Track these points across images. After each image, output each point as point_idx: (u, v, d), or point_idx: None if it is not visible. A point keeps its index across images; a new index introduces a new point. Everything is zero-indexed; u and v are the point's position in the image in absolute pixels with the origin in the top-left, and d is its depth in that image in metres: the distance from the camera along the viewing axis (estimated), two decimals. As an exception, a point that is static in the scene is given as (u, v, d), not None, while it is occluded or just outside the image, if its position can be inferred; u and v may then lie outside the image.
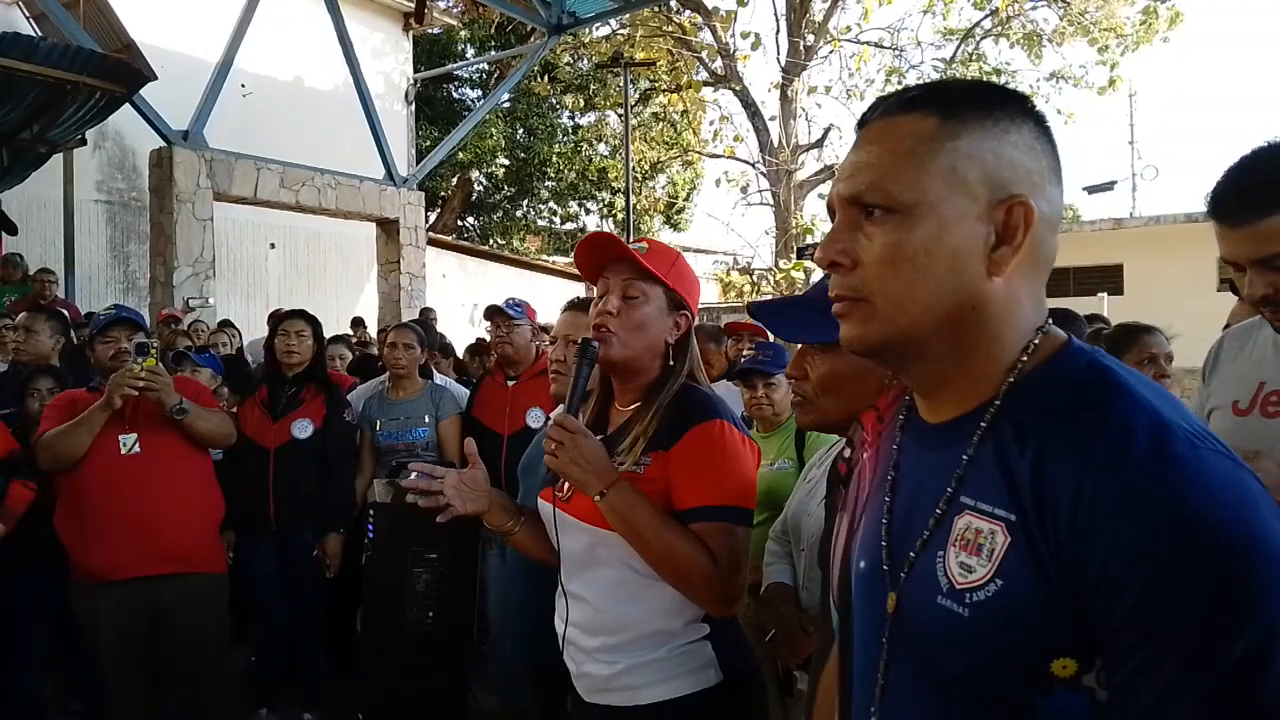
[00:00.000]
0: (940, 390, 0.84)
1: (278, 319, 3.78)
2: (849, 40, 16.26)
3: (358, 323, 10.04)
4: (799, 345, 1.43)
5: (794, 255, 14.15)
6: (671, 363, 1.69)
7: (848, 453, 1.04)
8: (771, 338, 4.35)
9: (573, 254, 1.84)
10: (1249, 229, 1.36)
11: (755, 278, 17.12)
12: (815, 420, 1.40)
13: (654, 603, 1.57)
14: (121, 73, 7.87)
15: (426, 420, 3.72)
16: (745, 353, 3.13)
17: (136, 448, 2.95)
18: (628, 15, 14.40)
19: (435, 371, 4.44)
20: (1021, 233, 0.77)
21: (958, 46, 16.18)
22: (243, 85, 10.95)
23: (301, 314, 3.77)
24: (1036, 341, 0.80)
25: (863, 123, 0.84)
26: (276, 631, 3.56)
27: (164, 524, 2.92)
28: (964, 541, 0.76)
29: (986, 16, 16.09)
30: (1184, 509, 0.65)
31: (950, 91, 0.81)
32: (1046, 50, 16.34)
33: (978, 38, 16.34)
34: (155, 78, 8.32)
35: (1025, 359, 0.79)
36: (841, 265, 0.82)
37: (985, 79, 14.59)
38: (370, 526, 2.68)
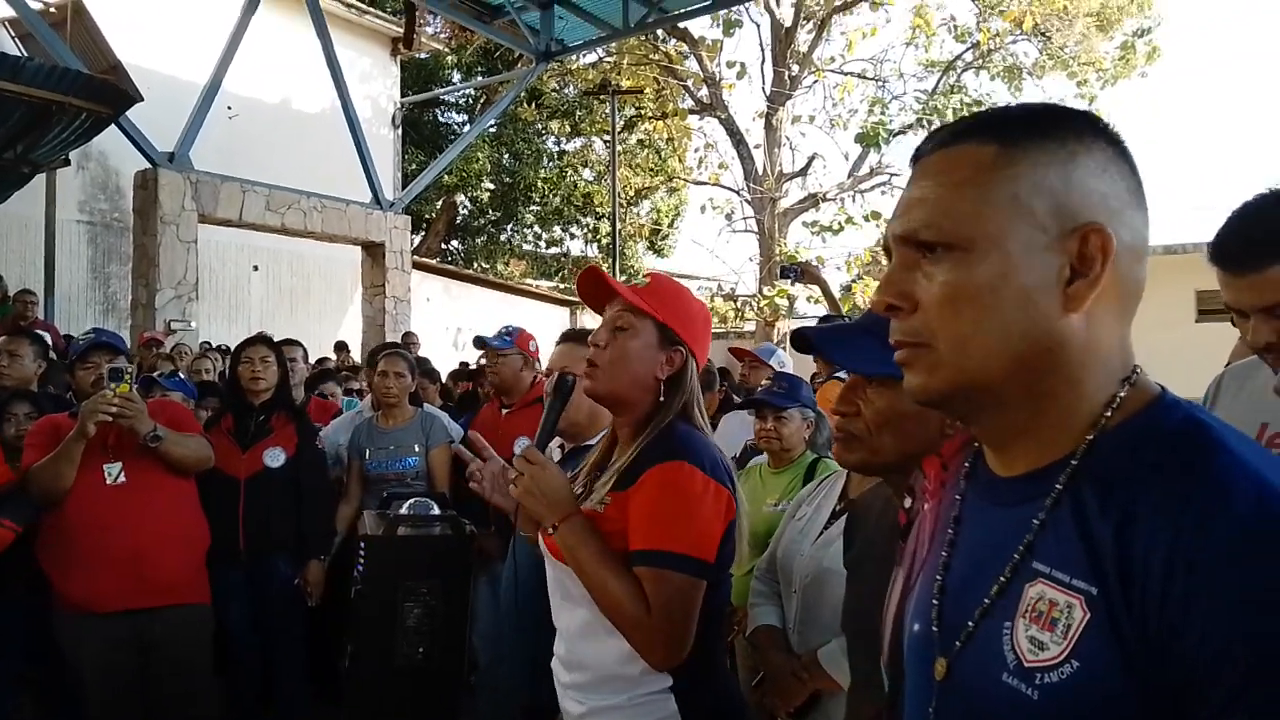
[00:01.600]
0: (1013, 442, 0.76)
1: (239, 347, 3.72)
2: (833, 71, 16.42)
3: (341, 347, 9.99)
4: (848, 377, 1.34)
5: (778, 282, 14.20)
6: (661, 399, 1.62)
7: (908, 503, 0.98)
8: (785, 364, 4.34)
9: (574, 284, 1.79)
10: (1253, 277, 1.35)
11: (739, 304, 17.17)
12: (864, 460, 1.30)
13: (615, 646, 1.51)
14: (108, 94, 7.84)
15: (416, 449, 3.69)
16: (763, 382, 3.08)
17: (122, 477, 2.91)
18: (614, 43, 14.50)
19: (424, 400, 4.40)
20: (1099, 263, 0.70)
21: (939, 78, 16.39)
22: (229, 107, 10.93)
23: (264, 340, 3.72)
24: (1123, 395, 0.72)
25: (917, 157, 0.79)
26: (248, 662, 3.49)
27: (152, 555, 2.89)
28: (1035, 614, 0.69)
29: (968, 49, 16.32)
30: None
31: (1008, 117, 0.75)
32: (1027, 83, 16.60)
33: (959, 70, 16.56)
34: (141, 99, 8.31)
35: (1109, 414, 0.72)
36: (899, 308, 0.76)
37: (967, 109, 14.78)
38: (361, 559, 2.64)
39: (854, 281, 15.05)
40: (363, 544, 2.69)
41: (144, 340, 7.50)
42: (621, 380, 1.61)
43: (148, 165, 9.09)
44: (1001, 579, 0.72)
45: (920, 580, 0.86)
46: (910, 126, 15.65)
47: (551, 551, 1.60)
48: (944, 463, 0.92)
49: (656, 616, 1.44)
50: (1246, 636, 0.58)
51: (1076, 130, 0.73)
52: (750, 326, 16.73)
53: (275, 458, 3.46)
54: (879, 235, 15.19)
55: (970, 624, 0.74)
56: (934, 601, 0.80)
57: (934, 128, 0.83)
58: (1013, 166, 0.72)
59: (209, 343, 8.58)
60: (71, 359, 3.22)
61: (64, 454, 2.78)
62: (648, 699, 1.52)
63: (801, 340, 1.41)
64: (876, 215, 15.25)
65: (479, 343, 3.71)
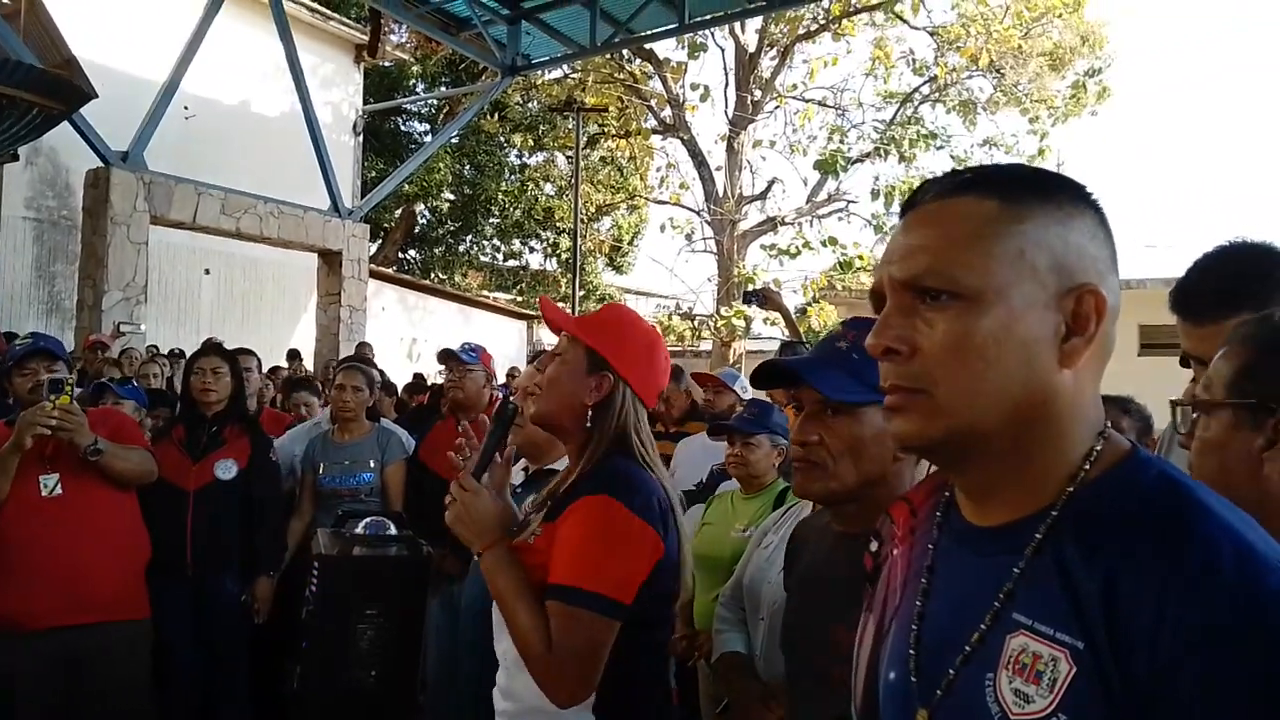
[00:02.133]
0: (994, 492, 0.78)
1: (192, 357, 3.65)
2: (794, 97, 16.66)
3: (294, 355, 9.82)
4: (805, 410, 1.35)
5: (735, 302, 14.29)
6: (589, 425, 1.60)
7: (874, 547, 1.00)
8: (748, 389, 4.35)
9: (532, 298, 1.75)
10: (1213, 327, 1.38)
11: (696, 323, 17.26)
12: (827, 489, 1.31)
13: None
14: (61, 89, 7.66)
15: (372, 465, 3.63)
16: (737, 408, 3.07)
17: (58, 489, 2.81)
18: (580, 61, 14.58)
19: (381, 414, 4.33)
20: (1094, 323, 0.73)
21: (897, 109, 16.70)
22: (186, 107, 10.74)
23: (217, 350, 3.65)
24: (1099, 448, 0.75)
25: (911, 204, 0.80)
26: (189, 680, 3.39)
27: (90, 571, 2.79)
28: (1019, 666, 0.70)
29: (925, 82, 16.67)
30: None
31: (1009, 175, 0.77)
32: (981, 118, 16.99)
33: (916, 102, 16.90)
34: (96, 96, 8.13)
35: (1088, 466, 0.74)
36: (898, 353, 0.76)
37: (923, 140, 15.03)
38: (314, 579, 2.59)
39: (809, 305, 15.22)
40: (316, 563, 2.63)
41: (89, 344, 7.30)
42: (550, 404, 1.62)
43: (100, 163, 8.89)
44: (981, 629, 0.74)
45: (894, 628, 0.86)
46: (868, 155, 15.93)
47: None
48: (912, 509, 0.93)
49: (558, 652, 1.41)
50: (1237, 697, 0.60)
51: (1070, 195, 0.76)
52: (707, 346, 16.82)
53: (226, 470, 3.38)
54: (835, 260, 15.40)
55: (950, 673, 0.75)
56: (910, 651, 0.80)
57: (927, 178, 0.82)
58: (1019, 223, 0.74)
59: (156, 347, 8.38)
60: (8, 365, 3.10)
61: None
62: None
63: (767, 373, 1.42)
64: (834, 241, 15.47)
65: (446, 355, 3.67)
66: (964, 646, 0.74)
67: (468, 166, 19.63)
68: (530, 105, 19.02)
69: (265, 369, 6.73)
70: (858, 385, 1.28)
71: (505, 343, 17.03)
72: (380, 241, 19.53)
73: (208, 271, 12.31)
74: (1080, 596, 0.68)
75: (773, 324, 14.16)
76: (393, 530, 2.79)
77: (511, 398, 1.75)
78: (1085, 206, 0.76)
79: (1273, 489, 1.04)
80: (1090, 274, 0.74)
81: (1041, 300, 0.73)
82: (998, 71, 15.94)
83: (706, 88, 16.00)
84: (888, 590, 0.91)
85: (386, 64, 17.46)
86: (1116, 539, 0.69)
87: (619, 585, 1.45)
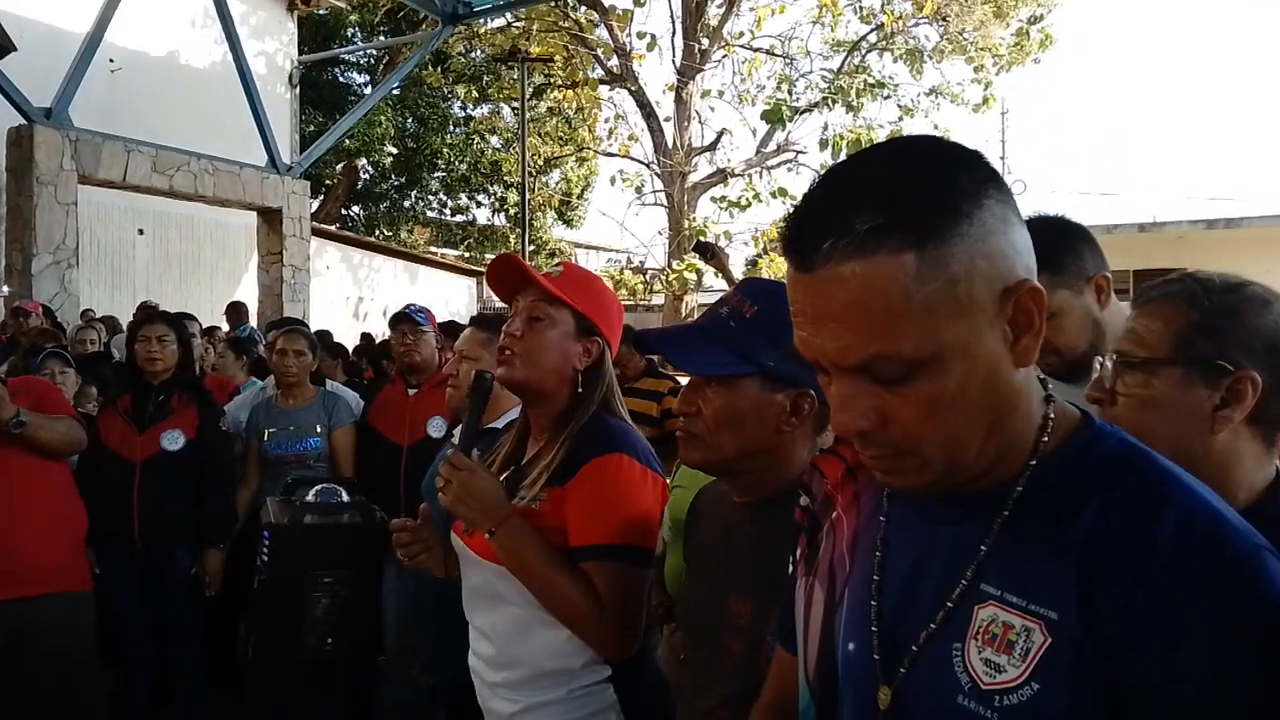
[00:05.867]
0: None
1: (136, 324, 3.55)
2: (742, 46, 16.47)
3: (235, 308, 9.57)
4: (690, 378, 1.33)
5: (687, 256, 14.26)
6: (580, 390, 1.61)
7: (804, 501, 0.98)
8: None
9: (482, 255, 1.71)
10: None
11: (648, 277, 17.21)
12: (705, 458, 1.30)
13: (553, 641, 1.52)
14: (-25, 42, 7.28)
15: (318, 430, 3.56)
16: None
17: None
18: (523, 9, 14.22)
19: (327, 377, 4.25)
20: (1038, 316, 0.71)
21: (845, 58, 16.62)
22: (111, 60, 10.31)
23: (163, 317, 3.55)
24: (1052, 416, 0.75)
25: (803, 249, 0.71)
26: (142, 654, 3.35)
27: (23, 543, 2.73)
28: (989, 636, 0.70)
29: (872, 30, 16.60)
30: (1255, 605, 0.62)
31: (909, 207, 0.68)
32: (927, 66, 16.99)
33: (863, 51, 16.84)
34: (15, 49, 7.77)
35: (1046, 438, 0.74)
36: (869, 430, 0.73)
37: (870, 89, 14.99)
38: (265, 549, 2.55)
39: (759, 257, 15.24)
40: (267, 533, 2.59)
41: (12, 309, 7.02)
42: (539, 370, 1.60)
43: (22, 121, 8.50)
44: (948, 602, 0.73)
45: (849, 598, 0.85)
46: (815, 105, 15.88)
47: (477, 552, 1.57)
48: (850, 468, 0.92)
49: (611, 610, 1.46)
50: (1210, 658, 0.62)
51: (970, 188, 0.70)
52: (659, 300, 16.81)
53: (173, 440, 3.30)
54: (785, 211, 15.37)
55: (915, 648, 0.75)
56: (872, 628, 0.80)
57: (804, 213, 0.73)
58: (943, 269, 0.68)
59: (92, 311, 8.14)
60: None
61: None
62: (587, 691, 1.52)
63: (644, 342, 1.42)
64: (783, 192, 15.46)
65: (400, 318, 3.60)
66: (929, 618, 0.74)
67: (410, 119, 19.18)
68: (473, 55, 18.58)
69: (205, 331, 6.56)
70: (732, 357, 1.26)
71: (454, 300, 16.83)
72: (322, 198, 19.07)
73: (141, 232, 11.91)
74: (1053, 568, 0.69)
75: (720, 278, 14.16)
76: (344, 497, 2.75)
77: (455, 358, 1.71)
78: (984, 189, 0.70)
79: (1219, 447, 1.06)
80: (1015, 268, 0.71)
81: (988, 321, 0.70)
82: (943, 19, 15.93)
83: (653, 36, 15.77)
84: (834, 556, 0.90)
85: (321, 12, 16.85)
86: (1087, 510, 0.69)
87: (647, 535, 1.54)
